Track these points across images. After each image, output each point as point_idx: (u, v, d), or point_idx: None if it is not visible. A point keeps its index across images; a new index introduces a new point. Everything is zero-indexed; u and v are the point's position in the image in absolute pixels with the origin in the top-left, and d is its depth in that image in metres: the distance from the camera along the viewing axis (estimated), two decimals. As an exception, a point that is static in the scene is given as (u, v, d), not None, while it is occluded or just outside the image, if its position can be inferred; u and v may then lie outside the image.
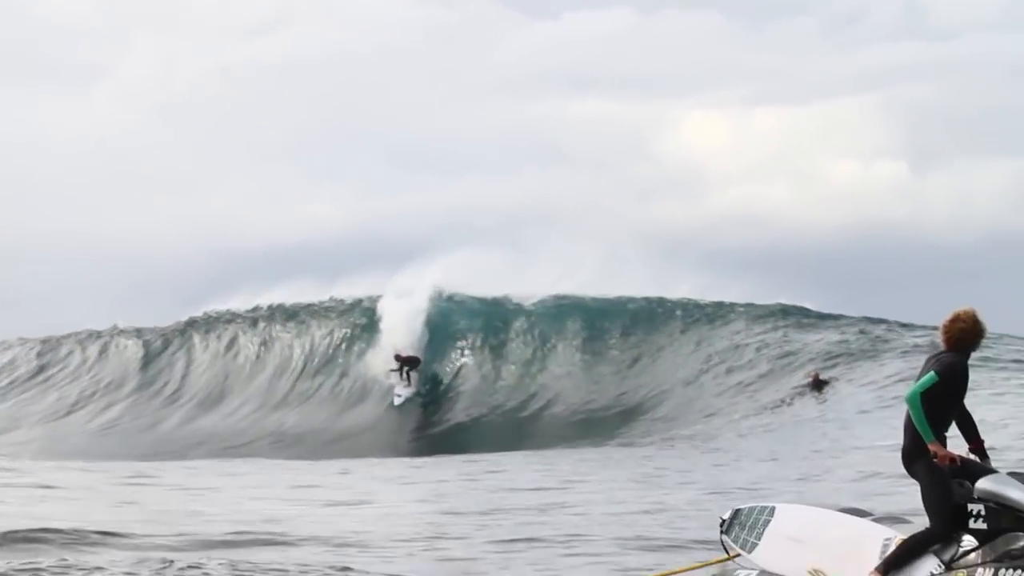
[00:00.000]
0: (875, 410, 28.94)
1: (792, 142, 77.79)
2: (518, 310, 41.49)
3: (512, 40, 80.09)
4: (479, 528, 14.65)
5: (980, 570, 8.99)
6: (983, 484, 9.11)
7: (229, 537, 13.81)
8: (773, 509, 9.75)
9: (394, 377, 38.78)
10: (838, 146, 79.03)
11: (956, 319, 9.36)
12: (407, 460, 29.34)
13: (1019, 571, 8.90)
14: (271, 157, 74.69)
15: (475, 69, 78.69)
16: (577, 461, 25.47)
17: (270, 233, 63.47)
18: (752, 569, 9.60)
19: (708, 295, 41.00)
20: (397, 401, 38.43)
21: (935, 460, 9.17)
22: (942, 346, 9.45)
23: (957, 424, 9.52)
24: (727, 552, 9.73)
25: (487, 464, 24.97)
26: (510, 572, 11.97)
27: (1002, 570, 8.94)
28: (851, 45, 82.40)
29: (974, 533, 9.17)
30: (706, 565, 10.16)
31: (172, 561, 11.38)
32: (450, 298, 41.71)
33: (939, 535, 9.25)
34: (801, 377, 35.08)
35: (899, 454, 9.32)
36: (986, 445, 9.54)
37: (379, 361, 39.99)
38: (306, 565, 11.68)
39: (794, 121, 78.11)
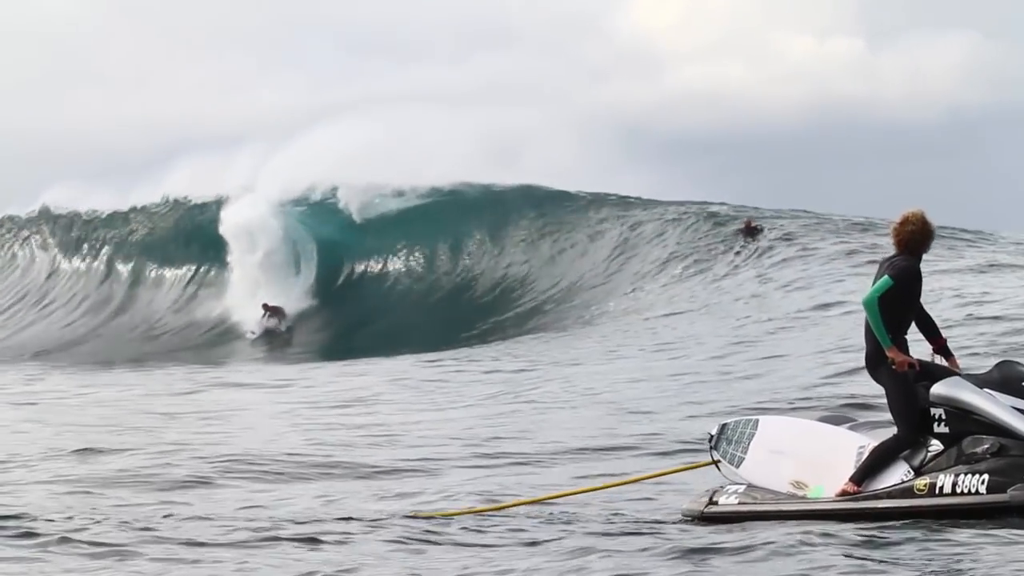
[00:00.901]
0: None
1: (745, 18, 76.92)
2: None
3: None
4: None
5: (942, 476, 9.10)
6: (937, 389, 9.23)
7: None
8: (757, 422, 9.86)
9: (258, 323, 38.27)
10: (792, 22, 78.05)
11: (905, 221, 9.44)
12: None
13: (978, 475, 8.99)
14: (221, 45, 74.10)
15: None
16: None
17: (219, 123, 62.24)
18: (740, 484, 9.71)
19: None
20: (251, 336, 38.11)
21: (894, 367, 9.26)
22: (893, 249, 9.54)
23: (918, 326, 9.61)
24: (717, 467, 9.85)
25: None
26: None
27: (962, 475, 9.05)
28: None
29: (939, 437, 9.28)
30: (693, 468, 10.35)
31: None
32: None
33: (907, 441, 9.35)
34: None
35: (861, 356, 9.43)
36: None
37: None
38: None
39: None
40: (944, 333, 9.79)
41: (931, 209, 9.57)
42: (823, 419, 10.01)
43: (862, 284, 26.51)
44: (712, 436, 9.90)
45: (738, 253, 33.21)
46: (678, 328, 26.23)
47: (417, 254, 39.51)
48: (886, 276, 9.38)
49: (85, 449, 13.88)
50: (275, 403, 19.72)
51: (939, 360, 9.62)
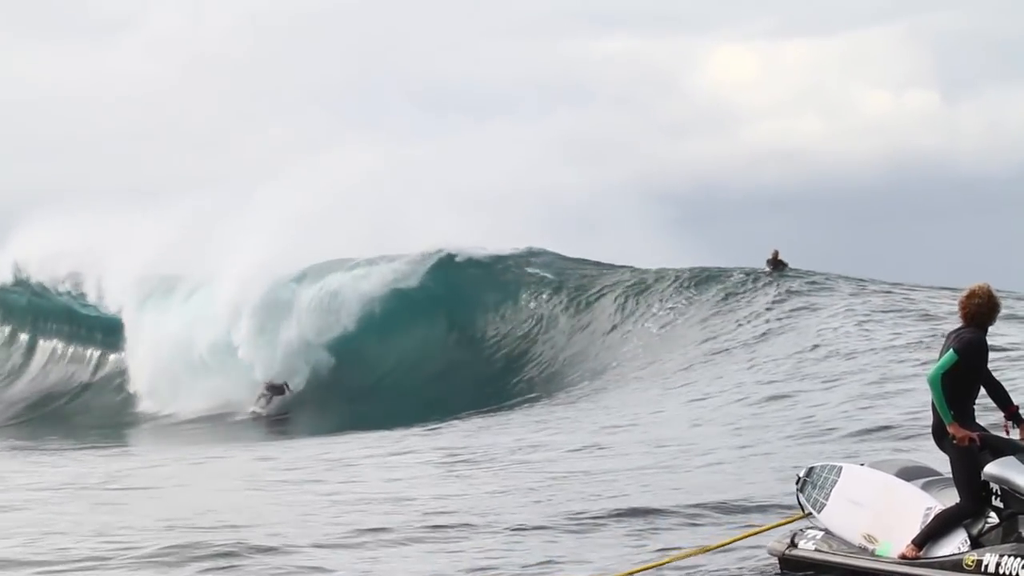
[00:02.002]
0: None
1: (821, 74, 77.81)
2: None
3: None
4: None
5: (989, 554, 9.33)
6: (990, 468, 9.46)
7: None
8: (840, 469, 10.14)
9: (260, 402, 37.43)
10: (868, 77, 78.96)
11: (972, 295, 9.73)
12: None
13: (1021, 559, 9.17)
14: (302, 106, 74.59)
15: (500, 9, 78.59)
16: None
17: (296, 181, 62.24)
18: (820, 530, 10.01)
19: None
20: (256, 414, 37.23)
21: (953, 442, 9.53)
22: (960, 321, 9.81)
23: (988, 393, 9.83)
24: (803, 510, 10.16)
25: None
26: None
27: (1007, 556, 9.26)
28: None
29: (996, 511, 9.49)
30: (788, 523, 10.50)
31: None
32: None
33: (968, 511, 9.58)
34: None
35: None
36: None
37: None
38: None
39: (822, 53, 78.38)
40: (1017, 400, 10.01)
41: (1003, 261, 9.99)
42: (901, 471, 10.21)
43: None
44: (799, 479, 10.26)
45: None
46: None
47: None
48: (951, 350, 9.66)
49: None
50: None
51: (1010, 428, 9.89)
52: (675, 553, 10.90)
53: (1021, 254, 60.10)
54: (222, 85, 75.86)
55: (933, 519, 9.70)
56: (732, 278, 35.87)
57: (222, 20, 76.17)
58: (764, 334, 30.08)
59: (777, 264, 36.32)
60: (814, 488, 10.22)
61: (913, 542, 9.68)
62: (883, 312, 29.60)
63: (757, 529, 10.83)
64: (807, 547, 10.12)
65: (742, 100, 78.67)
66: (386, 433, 25.70)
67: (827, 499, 10.10)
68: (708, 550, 10.70)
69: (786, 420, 19.93)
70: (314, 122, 69.20)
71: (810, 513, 10.17)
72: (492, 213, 42.17)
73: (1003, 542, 9.39)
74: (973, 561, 9.39)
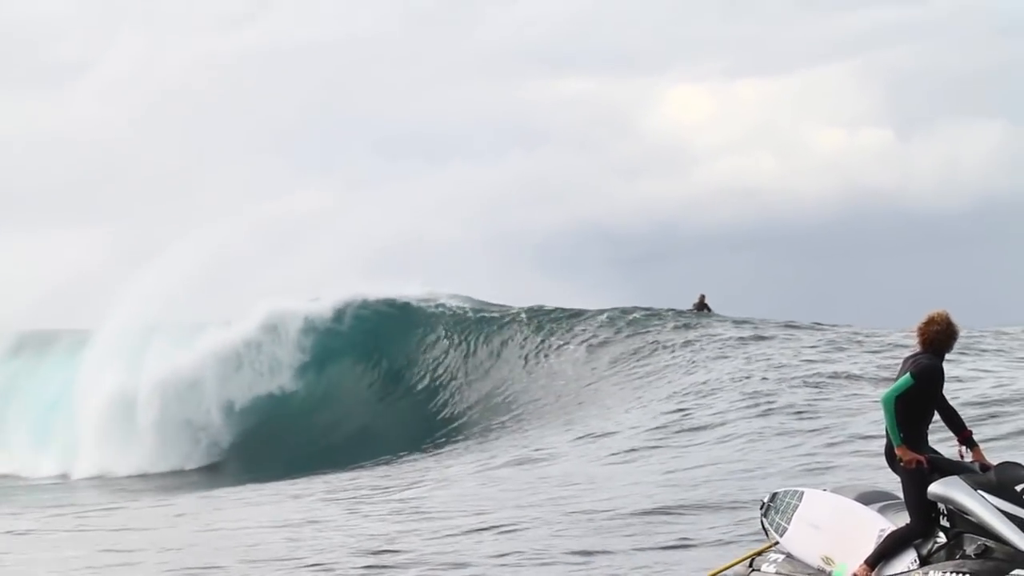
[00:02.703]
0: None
1: (775, 112, 78.55)
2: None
3: (490, 20, 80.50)
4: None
5: (933, 571, 9.58)
6: (933, 488, 9.69)
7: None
8: (802, 494, 10.36)
9: None
10: (822, 115, 79.88)
11: (931, 321, 9.92)
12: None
13: (961, 575, 9.43)
14: (257, 149, 73.93)
15: (455, 52, 78.76)
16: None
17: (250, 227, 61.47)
18: (782, 553, 10.23)
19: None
20: None
21: (901, 464, 9.76)
22: (917, 347, 9.98)
23: (942, 418, 10.05)
24: (767, 535, 10.37)
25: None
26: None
27: (949, 573, 9.51)
28: (828, 11, 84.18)
29: (943, 531, 9.73)
30: (755, 555, 10.60)
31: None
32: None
33: (917, 531, 9.81)
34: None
35: None
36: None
37: None
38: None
39: (776, 91, 78.99)
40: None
41: (960, 298, 10.25)
42: (861, 495, 10.40)
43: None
44: (764, 503, 10.50)
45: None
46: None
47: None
48: (908, 374, 9.87)
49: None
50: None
51: (964, 452, 10.07)
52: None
53: (978, 290, 61.06)
54: (177, 129, 75.54)
55: (885, 539, 9.91)
56: (644, 319, 36.06)
57: (176, 64, 75.83)
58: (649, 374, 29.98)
59: (702, 308, 37.55)
60: (777, 513, 10.43)
61: (866, 562, 9.87)
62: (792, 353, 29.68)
63: (739, 559, 10.89)
64: (768, 570, 10.34)
65: (697, 140, 79.58)
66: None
67: (789, 523, 10.31)
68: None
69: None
70: (269, 166, 68.93)
71: (774, 538, 10.36)
72: (439, 256, 42.36)
73: (948, 559, 9.60)
74: None
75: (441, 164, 73.97)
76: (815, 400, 23.98)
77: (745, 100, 79.46)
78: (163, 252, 41.22)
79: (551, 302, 39.41)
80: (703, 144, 78.54)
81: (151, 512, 21.15)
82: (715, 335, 33.25)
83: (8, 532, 18.73)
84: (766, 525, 10.54)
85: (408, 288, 41.23)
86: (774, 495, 10.57)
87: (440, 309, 40.17)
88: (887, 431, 9.91)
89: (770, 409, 23.09)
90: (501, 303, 40.02)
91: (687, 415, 24.58)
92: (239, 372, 38.81)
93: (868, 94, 78.53)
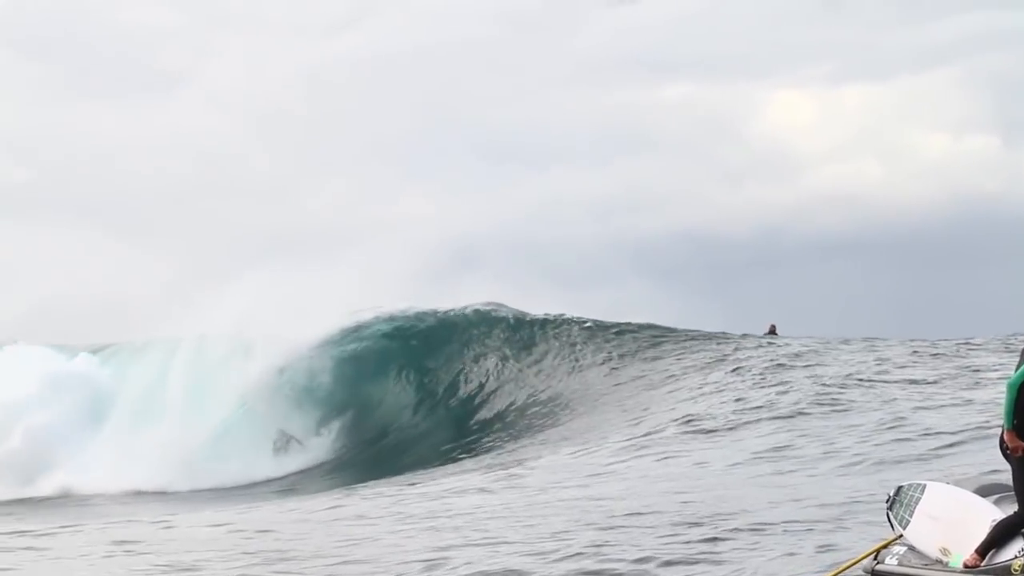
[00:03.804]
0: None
1: (880, 118, 78.18)
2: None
3: (592, 26, 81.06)
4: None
5: None
6: None
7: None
8: (924, 487, 10.80)
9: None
10: (927, 120, 79.30)
11: None
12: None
13: None
14: (362, 158, 74.43)
15: (557, 57, 79.27)
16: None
17: (365, 234, 61.51)
18: (905, 545, 10.68)
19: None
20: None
21: (1008, 451, 9.99)
22: None
23: None
24: (892, 528, 10.82)
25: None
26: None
27: None
28: (931, 17, 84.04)
29: None
30: (881, 548, 10.99)
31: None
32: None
33: None
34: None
35: None
36: None
37: None
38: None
39: (880, 97, 78.69)
40: None
41: None
42: (980, 487, 10.80)
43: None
44: (889, 497, 10.96)
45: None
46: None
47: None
48: None
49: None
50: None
51: None
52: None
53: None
54: (281, 138, 75.98)
55: (994, 528, 10.23)
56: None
57: (281, 73, 76.40)
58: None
59: (772, 332, 38.73)
60: (901, 506, 10.92)
61: (976, 551, 10.23)
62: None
63: (866, 553, 11.29)
64: (891, 562, 10.83)
65: (801, 146, 79.34)
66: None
67: (911, 516, 10.79)
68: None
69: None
70: (374, 175, 69.16)
71: (898, 531, 10.85)
72: (538, 261, 42.50)
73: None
74: (1020, 566, 9.93)
75: (543, 170, 74.47)
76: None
77: (849, 106, 79.46)
78: (258, 265, 41.81)
79: (648, 311, 39.47)
80: (807, 150, 78.60)
81: (287, 515, 21.46)
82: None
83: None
84: (891, 518, 10.99)
85: (482, 295, 41.73)
86: (899, 489, 11.01)
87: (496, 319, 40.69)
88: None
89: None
90: (597, 317, 40.11)
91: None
92: (315, 381, 39.57)
93: (974, 100, 78.32)
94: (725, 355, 34.12)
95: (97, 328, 43.66)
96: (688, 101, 77.89)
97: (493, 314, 40.73)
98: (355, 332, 41.56)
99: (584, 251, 42.79)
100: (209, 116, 74.27)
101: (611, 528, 15.39)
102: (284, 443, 37.69)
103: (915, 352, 32.42)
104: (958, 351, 32.35)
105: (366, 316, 41.61)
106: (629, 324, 38.95)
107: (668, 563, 13.26)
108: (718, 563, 13.09)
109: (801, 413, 24.70)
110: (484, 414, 36.37)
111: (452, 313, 41.16)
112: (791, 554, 13.08)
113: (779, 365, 31.47)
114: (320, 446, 37.89)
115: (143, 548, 17.40)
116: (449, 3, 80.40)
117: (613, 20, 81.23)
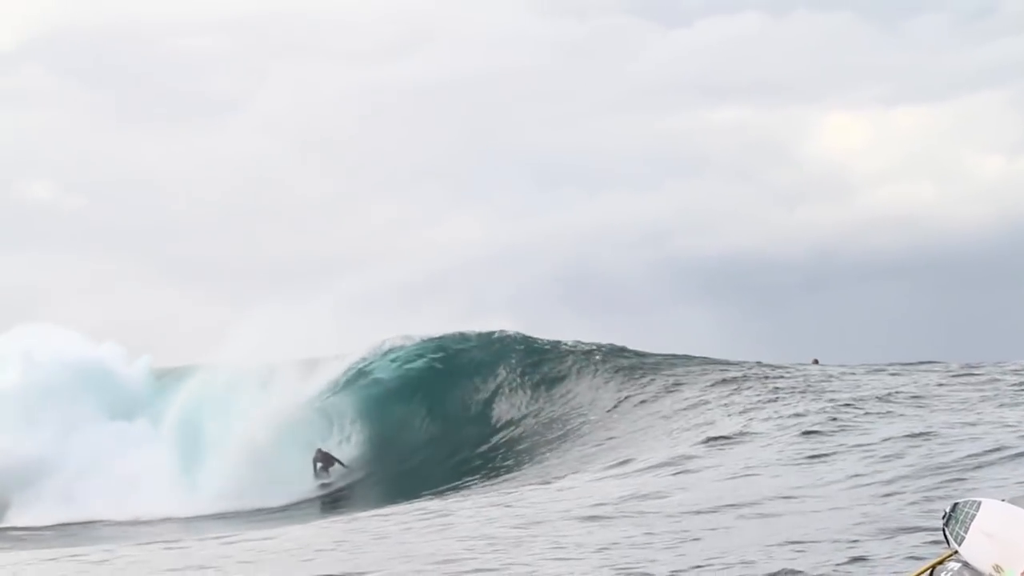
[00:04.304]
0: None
1: (933, 140, 78.32)
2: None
3: (645, 50, 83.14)
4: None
5: None
6: None
7: None
8: (980, 504, 10.79)
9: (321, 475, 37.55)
10: (980, 142, 79.36)
11: None
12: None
13: None
14: (414, 181, 74.81)
15: (610, 82, 79.90)
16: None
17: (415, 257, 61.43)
18: (959, 563, 10.63)
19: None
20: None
21: None
22: None
23: None
24: (947, 544, 10.71)
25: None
26: None
27: None
28: (984, 39, 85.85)
29: None
30: (936, 564, 10.96)
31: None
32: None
33: None
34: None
35: None
36: None
37: None
38: None
39: (933, 118, 78.90)
40: None
41: None
42: None
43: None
44: (945, 514, 10.81)
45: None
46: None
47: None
48: None
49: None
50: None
51: None
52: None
53: None
54: (332, 163, 76.49)
55: None
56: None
57: (332, 98, 76.95)
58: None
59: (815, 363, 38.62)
60: (956, 523, 10.89)
61: None
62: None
63: (921, 569, 11.28)
64: (945, 580, 10.71)
65: (855, 167, 79.69)
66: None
67: (966, 532, 10.74)
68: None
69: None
70: (426, 197, 69.47)
71: (953, 547, 10.75)
72: (593, 286, 42.55)
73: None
74: None
75: (595, 194, 74.84)
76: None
77: (902, 127, 79.96)
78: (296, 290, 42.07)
79: (695, 337, 39.02)
80: (861, 171, 78.97)
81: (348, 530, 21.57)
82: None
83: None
84: (947, 535, 10.94)
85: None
86: (955, 505, 10.97)
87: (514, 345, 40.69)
88: None
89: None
90: (639, 347, 39.87)
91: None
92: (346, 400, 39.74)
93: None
94: (761, 378, 34.01)
95: (146, 352, 43.64)
96: (741, 124, 78.64)
97: (529, 343, 40.77)
98: (385, 356, 41.95)
99: (634, 275, 42.86)
100: (260, 141, 74.98)
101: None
102: (322, 466, 37.78)
103: (968, 374, 32.30)
104: (1013, 372, 32.23)
105: (399, 341, 41.90)
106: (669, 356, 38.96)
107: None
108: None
109: (842, 429, 24.63)
110: (503, 443, 36.42)
111: (493, 336, 41.38)
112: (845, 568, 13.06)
113: (815, 386, 31.48)
114: (353, 467, 38.12)
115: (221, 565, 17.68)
116: (502, 30, 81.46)
117: (666, 44, 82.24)
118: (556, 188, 75.14)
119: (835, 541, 14.76)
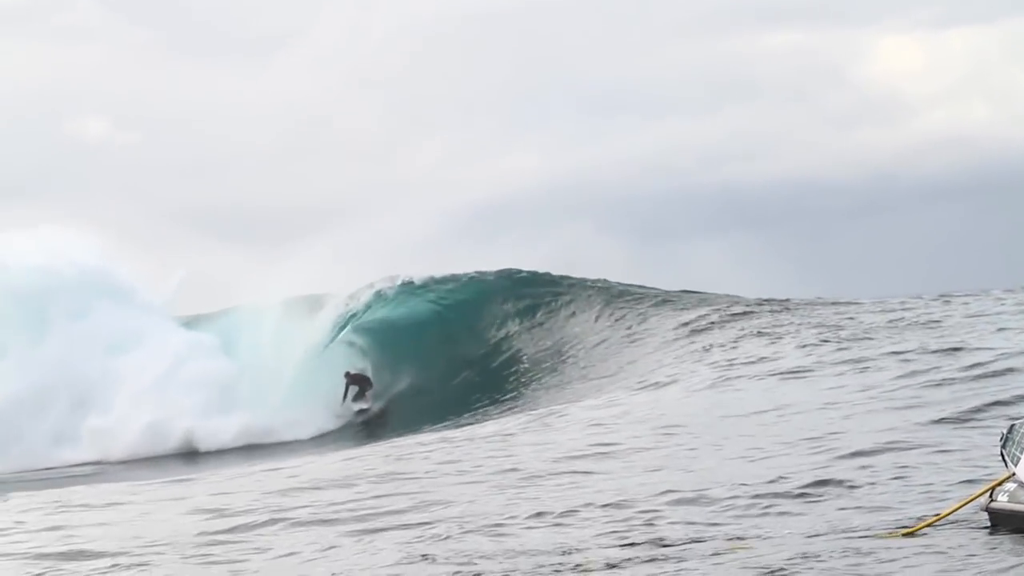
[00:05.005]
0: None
1: (987, 61, 77.80)
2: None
3: None
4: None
5: None
6: None
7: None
8: None
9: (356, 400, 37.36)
10: None
11: None
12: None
13: None
14: (467, 113, 74.66)
15: (665, 7, 79.52)
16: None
17: (475, 190, 61.51)
18: (1016, 483, 10.73)
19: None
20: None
21: None
22: None
23: None
24: (1005, 465, 10.88)
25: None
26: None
27: None
28: None
29: None
30: (996, 485, 11.06)
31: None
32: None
33: None
34: None
35: None
36: None
37: None
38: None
39: (986, 39, 78.25)
40: None
41: None
42: None
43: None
44: (1002, 435, 11.06)
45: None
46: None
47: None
48: None
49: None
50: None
51: None
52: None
53: None
54: (386, 96, 76.30)
55: None
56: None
57: (383, 31, 76.61)
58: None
59: None
60: (1012, 444, 10.98)
61: None
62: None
63: (981, 491, 11.38)
64: (1002, 499, 10.91)
65: (909, 90, 79.32)
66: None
67: (1022, 453, 10.80)
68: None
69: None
70: (480, 129, 69.32)
71: (1011, 468, 10.87)
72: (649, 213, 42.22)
73: None
74: None
75: (649, 120, 74.57)
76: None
77: (955, 49, 79.04)
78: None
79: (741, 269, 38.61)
80: (916, 94, 78.53)
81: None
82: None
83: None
84: (1004, 456, 11.06)
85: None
86: (1011, 427, 11.07)
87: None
88: None
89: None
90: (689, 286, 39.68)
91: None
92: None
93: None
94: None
95: (196, 293, 43.99)
96: (795, 48, 78.08)
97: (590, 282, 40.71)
98: (423, 287, 42.30)
99: (690, 202, 42.77)
100: (311, 77, 74.64)
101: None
102: (357, 390, 37.72)
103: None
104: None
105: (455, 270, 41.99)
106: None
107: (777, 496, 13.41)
108: (821, 501, 13.17)
109: (897, 358, 24.56)
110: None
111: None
112: (899, 493, 13.15)
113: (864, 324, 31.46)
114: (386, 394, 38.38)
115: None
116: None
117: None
118: (611, 116, 75.06)
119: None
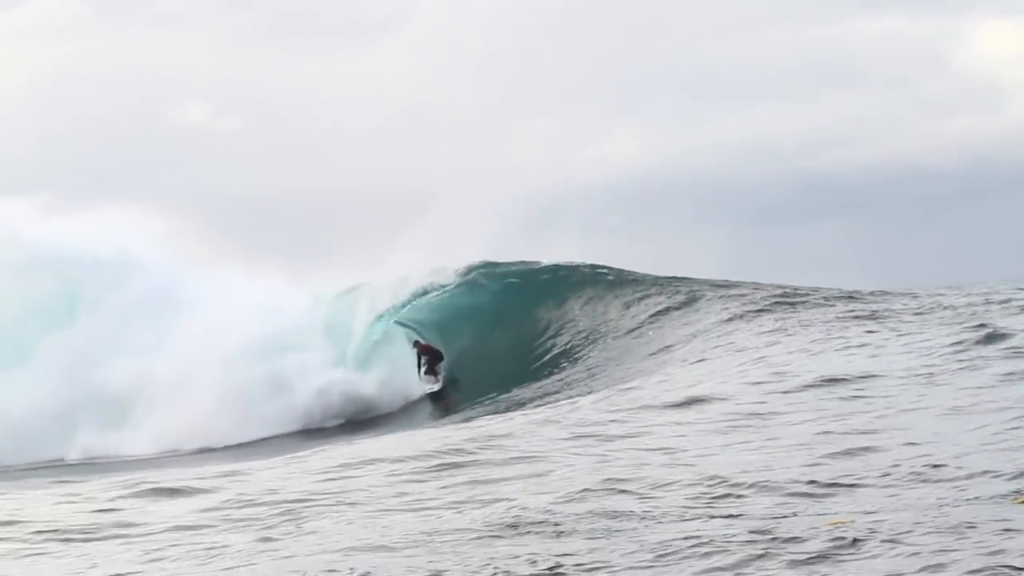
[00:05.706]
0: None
1: None
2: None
3: None
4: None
5: None
6: None
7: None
8: None
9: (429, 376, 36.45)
10: None
11: None
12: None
13: None
14: (569, 98, 74.84)
15: None
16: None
17: (577, 175, 61.59)
18: None
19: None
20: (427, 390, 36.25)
21: None
22: None
23: None
24: None
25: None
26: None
27: None
28: None
29: None
30: None
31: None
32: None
33: None
34: None
35: None
36: None
37: None
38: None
39: None
40: None
41: None
42: None
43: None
44: None
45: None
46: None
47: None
48: None
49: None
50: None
51: None
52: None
53: None
54: (487, 81, 76.54)
55: None
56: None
57: (486, 15, 76.86)
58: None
59: None
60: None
61: None
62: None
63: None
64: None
65: (1008, 75, 78.84)
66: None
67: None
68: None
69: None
70: (581, 114, 69.19)
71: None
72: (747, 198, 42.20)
73: None
74: None
75: (750, 105, 74.23)
76: None
77: None
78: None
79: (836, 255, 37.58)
80: (1015, 79, 77.78)
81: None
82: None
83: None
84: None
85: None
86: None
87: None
88: None
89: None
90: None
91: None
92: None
93: None
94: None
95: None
96: (895, 34, 77.57)
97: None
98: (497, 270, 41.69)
99: (789, 187, 42.19)
100: (414, 62, 74.81)
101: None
102: (427, 366, 36.77)
103: None
104: None
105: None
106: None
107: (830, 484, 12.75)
108: (898, 487, 12.48)
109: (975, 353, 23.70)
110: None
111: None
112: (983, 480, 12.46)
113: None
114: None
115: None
116: (658, -58, 79.76)
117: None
118: (711, 101, 74.93)
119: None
